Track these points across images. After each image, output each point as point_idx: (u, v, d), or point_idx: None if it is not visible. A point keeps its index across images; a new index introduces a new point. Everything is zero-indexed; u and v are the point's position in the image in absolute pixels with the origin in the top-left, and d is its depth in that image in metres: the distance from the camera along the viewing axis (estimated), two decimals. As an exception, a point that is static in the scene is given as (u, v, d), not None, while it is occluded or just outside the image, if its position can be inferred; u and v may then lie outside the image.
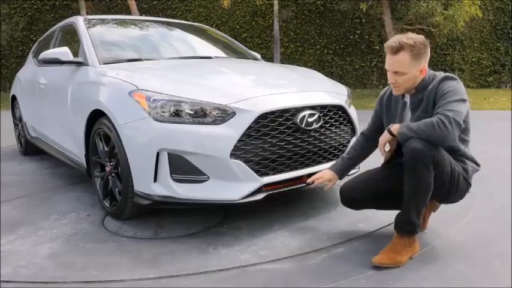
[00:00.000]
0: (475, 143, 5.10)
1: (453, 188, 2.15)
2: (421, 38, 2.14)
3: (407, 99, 2.26)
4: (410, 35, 2.15)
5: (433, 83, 2.13)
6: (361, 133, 2.54)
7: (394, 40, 2.14)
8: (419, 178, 2.02)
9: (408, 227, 2.12)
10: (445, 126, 1.95)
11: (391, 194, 2.28)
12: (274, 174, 2.52)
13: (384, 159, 2.36)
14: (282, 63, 13.17)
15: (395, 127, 2.12)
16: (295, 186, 2.63)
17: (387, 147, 2.22)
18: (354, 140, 2.52)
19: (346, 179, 2.50)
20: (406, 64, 2.11)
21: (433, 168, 2.02)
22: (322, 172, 2.51)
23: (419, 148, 1.98)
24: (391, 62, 2.15)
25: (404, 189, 2.09)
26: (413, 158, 2.00)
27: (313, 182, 2.48)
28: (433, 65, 13.67)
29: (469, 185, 2.22)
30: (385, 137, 2.16)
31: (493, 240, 2.37)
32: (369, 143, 2.48)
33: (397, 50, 2.10)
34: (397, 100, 2.32)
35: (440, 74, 2.16)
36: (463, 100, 2.04)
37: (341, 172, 2.49)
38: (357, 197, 2.37)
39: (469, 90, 12.90)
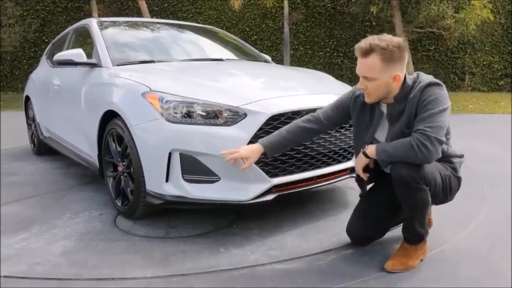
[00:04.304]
0: (486, 146, 5.12)
1: (447, 192, 2.10)
2: (397, 40, 1.91)
3: (384, 108, 2.08)
4: (386, 36, 1.93)
5: (413, 92, 1.94)
6: (314, 115, 2.28)
7: (365, 41, 1.92)
8: (416, 200, 1.98)
9: (417, 237, 2.12)
10: (427, 149, 1.84)
11: (396, 213, 2.25)
12: (284, 175, 2.54)
13: (366, 178, 2.19)
14: (292, 65, 13.18)
15: (370, 150, 2.00)
16: (305, 188, 2.65)
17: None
18: (305, 118, 2.28)
19: (348, 215, 2.36)
20: (376, 69, 1.91)
21: (426, 185, 1.95)
22: (243, 147, 2.26)
23: (407, 174, 1.90)
24: (360, 66, 1.97)
25: (403, 208, 2.06)
26: (404, 185, 1.93)
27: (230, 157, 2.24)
28: (444, 68, 13.61)
29: (459, 179, 2.15)
30: (362, 161, 2.06)
31: (503, 243, 2.37)
32: (318, 130, 2.29)
33: (367, 52, 1.91)
34: (373, 109, 2.12)
35: (423, 80, 1.96)
36: (445, 109, 1.90)
37: (272, 150, 2.28)
38: (369, 235, 2.31)
39: (480, 93, 12.81)
